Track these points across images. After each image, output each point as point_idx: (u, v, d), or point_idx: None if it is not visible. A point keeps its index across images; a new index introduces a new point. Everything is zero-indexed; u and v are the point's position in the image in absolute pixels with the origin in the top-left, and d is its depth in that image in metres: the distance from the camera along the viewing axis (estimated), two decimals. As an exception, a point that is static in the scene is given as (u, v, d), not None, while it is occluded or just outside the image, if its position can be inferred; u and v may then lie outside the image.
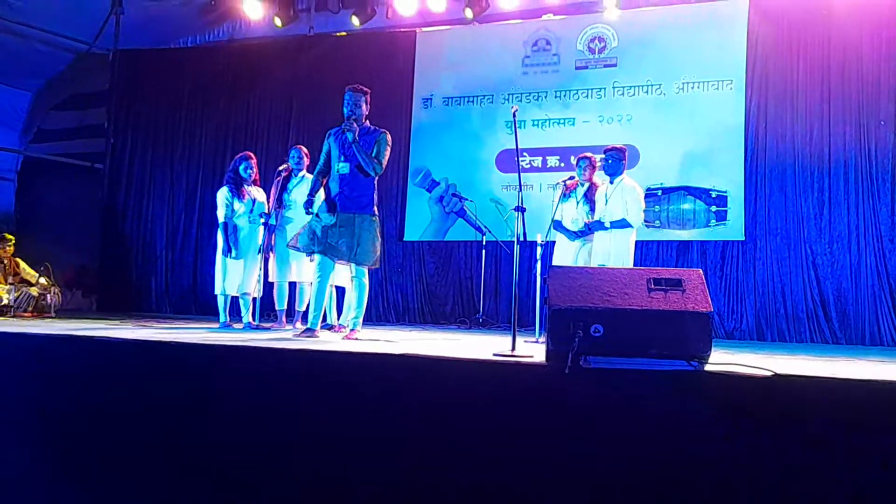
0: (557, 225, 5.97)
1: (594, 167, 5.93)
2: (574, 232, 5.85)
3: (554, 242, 6.19)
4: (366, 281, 5.20)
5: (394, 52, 9.26)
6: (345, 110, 5.11)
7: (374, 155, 5.06)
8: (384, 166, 5.14)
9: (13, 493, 3.63)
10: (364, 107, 5.14)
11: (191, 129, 10.07)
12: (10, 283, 7.84)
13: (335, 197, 5.06)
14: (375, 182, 5.17)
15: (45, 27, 9.49)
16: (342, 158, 5.08)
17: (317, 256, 5.21)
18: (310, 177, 6.17)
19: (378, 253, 5.12)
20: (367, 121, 5.18)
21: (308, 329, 5.04)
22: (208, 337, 4.63)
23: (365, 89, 5.18)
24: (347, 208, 5.02)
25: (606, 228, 5.61)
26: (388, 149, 5.16)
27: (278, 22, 9.63)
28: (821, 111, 7.47)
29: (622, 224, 5.57)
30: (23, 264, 8.22)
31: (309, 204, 5.22)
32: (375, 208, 5.16)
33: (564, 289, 3.17)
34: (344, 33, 9.60)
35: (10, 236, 8.38)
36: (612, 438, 2.85)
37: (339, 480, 3.16)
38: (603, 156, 5.78)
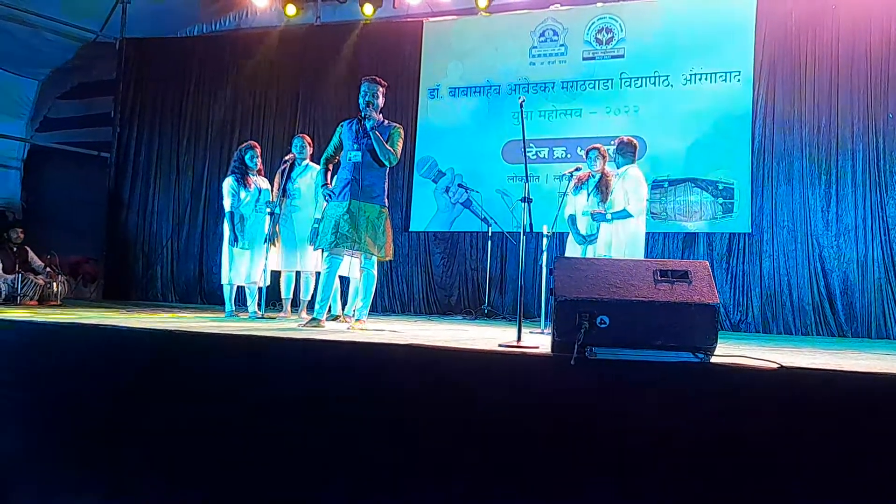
0: (572, 220, 5.97)
1: (605, 157, 5.90)
2: (583, 236, 5.86)
3: (559, 234, 6.19)
4: (374, 272, 5.21)
5: (400, 42, 9.24)
6: (361, 101, 5.07)
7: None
8: (398, 158, 5.13)
9: (17, 481, 3.65)
10: (381, 99, 5.10)
11: (197, 117, 10.08)
12: (19, 272, 7.88)
13: (346, 185, 5.04)
14: (387, 173, 5.17)
15: (52, 16, 9.49)
16: (355, 147, 5.06)
17: None
18: (314, 165, 6.19)
19: (389, 245, 5.12)
20: (380, 114, 5.13)
21: (314, 319, 5.05)
22: (215, 326, 4.65)
23: (383, 82, 5.14)
24: (358, 197, 5.01)
25: (608, 220, 5.61)
26: (401, 142, 5.14)
27: (291, 10, 9.55)
28: (829, 104, 7.43)
29: (623, 215, 5.55)
30: (31, 253, 8.26)
31: (327, 194, 5.19)
32: (386, 200, 5.15)
33: (570, 279, 3.16)
34: (355, 22, 9.54)
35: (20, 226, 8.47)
36: (616, 429, 2.86)
37: (344, 470, 3.17)
38: (613, 146, 5.78)
